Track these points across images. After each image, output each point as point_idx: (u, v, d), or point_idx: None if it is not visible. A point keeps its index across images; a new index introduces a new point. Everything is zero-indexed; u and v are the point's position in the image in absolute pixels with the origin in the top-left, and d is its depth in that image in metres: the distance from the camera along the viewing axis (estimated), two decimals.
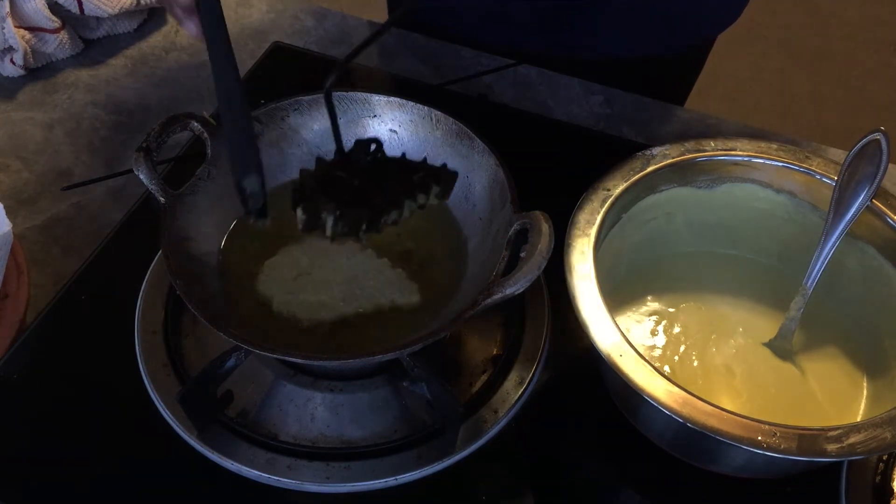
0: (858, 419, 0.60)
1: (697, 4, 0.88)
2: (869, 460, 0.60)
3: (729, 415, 0.51)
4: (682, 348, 0.63)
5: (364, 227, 0.55)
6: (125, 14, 0.90)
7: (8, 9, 0.83)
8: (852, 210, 0.60)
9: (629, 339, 0.54)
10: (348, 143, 0.57)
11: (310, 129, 0.66)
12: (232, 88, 0.57)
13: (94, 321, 0.67)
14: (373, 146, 0.56)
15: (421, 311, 0.60)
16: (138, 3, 0.90)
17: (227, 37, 0.57)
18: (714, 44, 0.98)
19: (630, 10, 0.85)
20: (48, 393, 0.63)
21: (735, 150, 0.65)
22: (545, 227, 0.53)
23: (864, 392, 0.62)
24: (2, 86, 0.86)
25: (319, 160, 0.57)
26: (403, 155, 0.58)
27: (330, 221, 0.54)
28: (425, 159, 0.58)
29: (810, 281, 0.61)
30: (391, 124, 0.66)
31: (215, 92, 0.57)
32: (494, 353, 0.64)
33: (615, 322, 0.55)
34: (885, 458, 0.60)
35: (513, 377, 0.62)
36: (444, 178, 0.57)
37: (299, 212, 0.54)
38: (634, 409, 0.59)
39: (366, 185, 0.55)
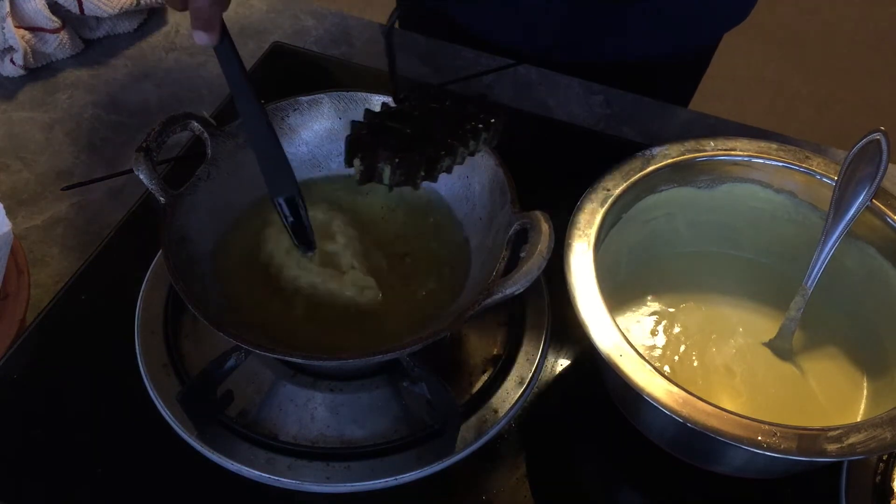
0: (858, 419, 0.60)
1: (708, 4, 0.88)
2: (869, 460, 0.60)
3: (729, 415, 0.51)
4: (682, 348, 0.63)
5: (422, 174, 0.54)
6: (125, 14, 0.90)
7: (8, 9, 0.83)
8: (852, 210, 0.60)
9: (629, 339, 0.54)
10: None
11: (309, 129, 0.66)
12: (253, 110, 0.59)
13: (94, 321, 0.67)
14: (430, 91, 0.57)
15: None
16: (138, 3, 0.90)
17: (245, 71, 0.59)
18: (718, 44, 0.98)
19: (644, 12, 0.84)
20: (48, 393, 0.63)
21: (735, 150, 0.65)
22: (545, 227, 0.53)
23: (864, 392, 0.62)
24: (2, 86, 0.86)
25: (367, 111, 0.57)
26: (450, 103, 0.58)
27: (387, 171, 0.54)
28: (472, 107, 0.58)
29: (810, 281, 0.61)
30: None
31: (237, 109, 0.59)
32: (494, 353, 0.64)
33: (615, 322, 0.55)
34: (885, 458, 0.60)
35: (513, 377, 0.62)
36: (492, 125, 0.57)
37: (356, 163, 0.54)
38: (634, 409, 0.59)
39: (418, 134, 0.55)
